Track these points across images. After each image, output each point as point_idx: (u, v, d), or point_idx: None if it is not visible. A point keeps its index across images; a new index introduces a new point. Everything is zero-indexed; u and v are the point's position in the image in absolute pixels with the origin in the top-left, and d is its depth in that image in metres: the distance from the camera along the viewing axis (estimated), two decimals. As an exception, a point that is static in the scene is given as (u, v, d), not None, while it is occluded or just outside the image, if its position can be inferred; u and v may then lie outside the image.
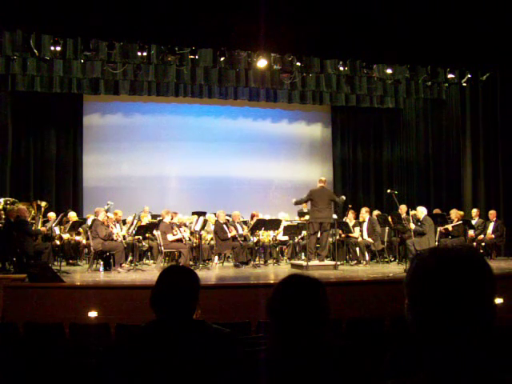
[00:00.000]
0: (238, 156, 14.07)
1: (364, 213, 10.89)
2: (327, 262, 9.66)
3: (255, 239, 10.76)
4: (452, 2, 8.40)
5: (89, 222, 10.31)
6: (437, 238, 9.65)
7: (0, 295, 6.65)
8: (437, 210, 11.12)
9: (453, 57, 9.80)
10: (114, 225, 10.03)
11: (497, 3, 8.43)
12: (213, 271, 9.84)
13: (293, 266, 9.98)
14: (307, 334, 1.72)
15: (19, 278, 7.34)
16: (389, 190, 9.63)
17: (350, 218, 11.03)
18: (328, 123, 15.09)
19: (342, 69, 11.03)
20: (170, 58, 9.87)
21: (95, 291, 7.04)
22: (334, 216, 10.02)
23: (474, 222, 10.96)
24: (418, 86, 12.38)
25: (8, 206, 9.65)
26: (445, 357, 1.06)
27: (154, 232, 10.20)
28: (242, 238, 10.63)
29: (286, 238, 11.17)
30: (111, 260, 9.37)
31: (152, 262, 10.87)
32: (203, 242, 10.61)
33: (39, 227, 9.67)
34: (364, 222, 10.74)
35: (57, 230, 10.21)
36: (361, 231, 10.65)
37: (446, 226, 10.01)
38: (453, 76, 11.23)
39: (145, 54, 9.70)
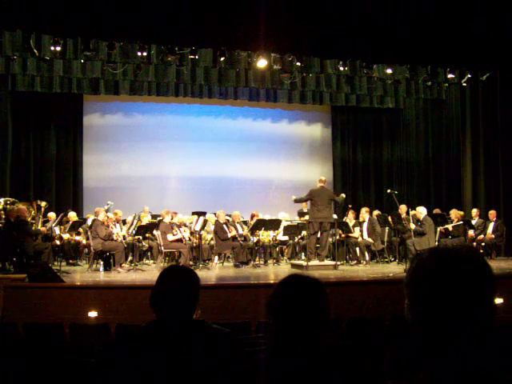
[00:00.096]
0: (238, 156, 14.07)
1: (364, 213, 10.89)
2: (327, 261, 9.66)
3: (255, 239, 10.76)
4: (452, 2, 8.41)
5: (89, 222, 10.31)
6: (437, 238, 9.65)
7: (0, 295, 6.65)
8: (437, 210, 11.12)
9: (453, 57, 9.80)
10: (114, 225, 10.04)
11: (497, 3, 8.43)
12: (213, 271, 9.84)
13: (293, 266, 9.98)
14: (307, 333, 1.71)
15: (19, 277, 7.34)
16: (389, 190, 9.63)
17: (350, 218, 11.03)
18: (328, 123, 15.08)
19: (342, 69, 11.02)
20: (170, 58, 9.87)
21: (95, 291, 7.04)
22: (334, 216, 10.02)
23: (474, 222, 10.96)
24: (418, 85, 12.38)
25: (8, 206, 9.65)
26: (445, 357, 1.06)
27: (154, 232, 10.20)
28: (242, 238, 10.63)
29: (285, 238, 11.17)
30: (111, 260, 9.37)
31: (152, 262, 10.87)
32: (203, 241, 10.61)
33: (39, 227, 9.67)
34: (364, 222, 10.74)
35: (57, 230, 10.21)
36: (361, 231, 10.65)
37: (446, 226, 10.01)
38: (453, 76, 11.23)
39: (145, 54, 9.69)
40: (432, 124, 13.87)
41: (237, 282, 8.00)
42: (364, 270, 9.53)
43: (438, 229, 9.85)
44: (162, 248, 9.62)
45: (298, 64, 10.49)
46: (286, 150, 14.51)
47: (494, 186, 11.75)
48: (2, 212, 9.62)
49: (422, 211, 9.47)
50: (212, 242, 10.90)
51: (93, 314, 6.43)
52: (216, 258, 11.16)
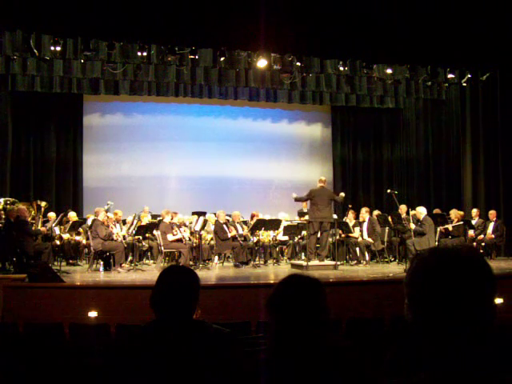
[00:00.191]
0: (238, 156, 14.07)
1: (364, 213, 10.88)
2: (327, 261, 9.66)
3: (255, 239, 10.76)
4: (452, 2, 8.41)
5: (89, 222, 10.31)
6: (437, 238, 9.64)
7: (0, 295, 6.65)
8: (437, 210, 11.12)
9: (453, 57, 9.79)
10: (114, 225, 10.04)
11: (497, 3, 8.43)
12: (213, 271, 9.84)
13: (293, 265, 9.98)
14: (307, 333, 1.71)
15: (19, 278, 7.35)
16: (389, 190, 9.63)
17: (350, 218, 11.03)
18: (328, 123, 15.08)
19: (342, 69, 11.02)
20: (170, 58, 9.86)
21: (95, 291, 7.04)
22: (334, 216, 10.02)
23: (474, 222, 10.96)
24: (418, 86, 12.38)
25: (8, 206, 9.65)
26: (445, 357, 1.06)
27: (154, 232, 10.20)
28: (242, 238, 10.63)
29: (286, 238, 11.17)
30: (111, 260, 9.37)
31: (152, 261, 10.87)
32: (203, 241, 10.61)
33: (39, 227, 9.67)
34: (364, 222, 10.74)
35: (57, 230, 10.21)
36: (361, 231, 10.65)
37: (446, 226, 10.01)
38: (453, 76, 11.23)
39: (145, 54, 9.69)
40: (432, 124, 13.86)
41: (237, 282, 8.00)
42: (364, 269, 9.53)
43: (438, 229, 9.85)
44: (162, 248, 9.62)
45: (298, 64, 10.48)
46: (285, 150, 14.51)
47: (494, 186, 11.75)
48: (2, 212, 9.62)
49: (421, 211, 9.47)
50: (212, 242, 10.90)
51: (93, 314, 6.43)
52: (216, 258, 11.16)
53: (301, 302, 1.73)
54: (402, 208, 10.17)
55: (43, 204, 10.29)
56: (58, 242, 10.15)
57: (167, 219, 9.77)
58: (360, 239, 10.50)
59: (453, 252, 1.12)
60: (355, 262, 10.32)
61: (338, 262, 9.64)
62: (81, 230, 10.64)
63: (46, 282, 7.11)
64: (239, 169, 14.06)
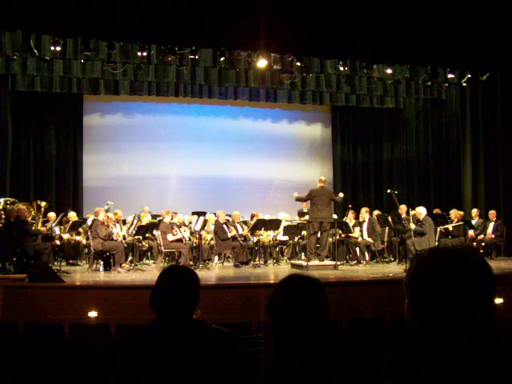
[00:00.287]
0: (237, 156, 14.07)
1: (364, 213, 10.88)
2: (327, 261, 9.66)
3: (255, 239, 10.76)
4: (452, 2, 8.41)
5: (89, 222, 10.31)
6: (437, 238, 9.64)
7: (0, 295, 6.65)
8: (437, 210, 11.12)
9: (453, 57, 9.80)
10: (114, 225, 10.04)
11: (496, 3, 8.43)
12: (213, 271, 9.84)
13: (293, 265, 9.98)
14: (307, 333, 1.71)
15: (19, 278, 7.34)
16: (389, 190, 9.63)
17: (350, 218, 11.03)
18: (328, 123, 15.08)
19: (342, 69, 11.02)
20: (170, 58, 9.86)
21: (95, 291, 7.04)
22: (334, 216, 10.02)
23: (474, 222, 10.96)
24: (418, 86, 12.38)
25: (8, 206, 9.65)
26: (445, 357, 1.06)
27: (154, 232, 10.20)
28: (242, 238, 10.63)
29: (285, 238, 11.17)
30: (111, 260, 9.36)
31: (152, 261, 10.87)
32: (203, 242, 10.61)
33: (39, 227, 9.67)
34: (364, 222, 10.74)
35: (57, 230, 10.21)
36: (361, 231, 10.65)
37: (446, 226, 10.01)
38: (453, 76, 11.22)
39: (145, 54, 9.69)
40: (432, 124, 13.87)
41: (237, 282, 8.00)
42: (364, 269, 9.53)
43: (438, 229, 9.85)
44: (162, 248, 9.62)
45: (298, 64, 10.48)
46: (285, 150, 14.51)
47: (494, 186, 11.75)
48: (2, 212, 9.62)
49: (421, 211, 9.47)
50: (212, 242, 10.90)
51: (93, 313, 6.43)
52: (216, 258, 11.16)
53: (301, 301, 1.73)
54: (402, 208, 10.18)
55: (43, 204, 10.29)
56: (58, 242, 10.15)
57: (167, 219, 9.77)
58: (360, 239, 10.50)
59: (453, 252, 1.12)
60: (355, 262, 10.32)
61: (338, 262, 9.64)
62: (81, 230, 10.64)
63: (46, 282, 7.11)
64: (239, 169, 14.06)
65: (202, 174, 13.78)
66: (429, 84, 11.91)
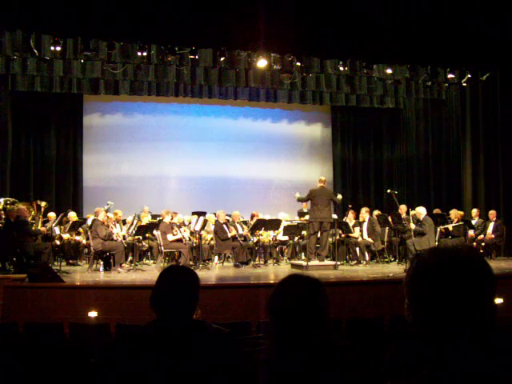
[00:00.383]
0: (237, 156, 14.07)
1: (364, 213, 10.88)
2: (327, 261, 9.66)
3: (255, 239, 10.76)
4: (452, 2, 8.41)
5: (89, 222, 10.31)
6: (437, 238, 9.64)
7: (0, 295, 6.65)
8: (437, 210, 11.12)
9: (453, 57, 9.80)
10: (114, 225, 10.03)
11: (497, 3, 8.43)
12: (213, 271, 9.84)
13: (293, 265, 9.98)
14: (307, 333, 1.71)
15: (19, 278, 7.34)
16: (389, 190, 9.64)
17: (350, 218, 11.03)
18: (328, 123, 15.08)
19: (342, 69, 11.02)
20: (170, 58, 9.86)
21: (95, 291, 7.04)
22: (334, 216, 10.02)
23: (474, 222, 10.96)
24: (418, 86, 12.38)
25: (8, 206, 9.65)
26: (445, 357, 1.06)
27: (154, 232, 10.20)
28: (242, 238, 10.63)
29: (285, 238, 11.17)
30: (111, 260, 9.36)
31: (152, 261, 10.87)
32: (203, 242, 10.61)
33: (39, 227, 9.67)
34: (364, 222, 10.74)
35: (57, 230, 10.21)
36: (361, 231, 10.65)
37: (446, 226, 10.01)
38: (453, 76, 11.22)
39: (145, 54, 9.69)
40: (432, 124, 13.86)
41: (237, 282, 8.00)
42: (364, 269, 9.53)
43: (438, 229, 9.85)
44: (162, 248, 9.62)
45: (298, 64, 10.48)
46: (285, 150, 14.51)
47: (494, 186, 11.75)
48: (2, 212, 9.62)
49: (421, 211, 9.47)
50: (212, 242, 10.90)
51: (93, 314, 6.43)
52: (216, 258, 11.16)
53: (301, 301, 1.73)
54: (402, 208, 10.18)
55: (43, 204, 10.29)
56: (58, 242, 10.15)
57: (167, 219, 9.77)
58: (360, 239, 10.50)
59: (453, 252, 1.12)
60: (355, 262, 10.32)
61: (338, 262, 9.64)
62: (81, 230, 10.64)
63: (46, 282, 7.11)
64: (239, 169, 14.06)
65: (202, 174, 13.78)
66: (429, 84, 11.91)
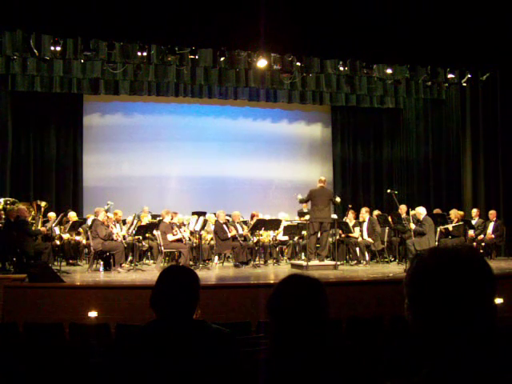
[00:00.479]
0: (237, 156, 14.07)
1: (364, 213, 10.88)
2: (327, 261, 9.66)
3: (255, 239, 10.76)
4: (452, 2, 8.40)
5: (89, 222, 10.31)
6: (437, 238, 9.64)
7: (0, 295, 6.65)
8: (437, 210, 11.12)
9: (453, 57, 9.79)
10: (114, 225, 10.04)
11: (497, 3, 8.43)
12: (213, 271, 9.84)
13: (293, 265, 9.98)
14: (307, 333, 1.71)
15: (19, 278, 7.34)
16: (389, 190, 9.63)
17: (350, 218, 11.03)
18: (328, 123, 15.08)
19: (342, 69, 11.01)
20: (170, 58, 9.86)
21: (95, 291, 7.04)
22: (334, 216, 10.02)
23: (474, 222, 10.96)
24: (418, 86, 12.38)
25: (8, 206, 9.65)
26: (445, 357, 1.06)
27: (154, 232, 10.20)
28: (242, 238, 10.63)
29: (285, 238, 11.17)
30: (111, 260, 9.37)
31: (152, 261, 10.87)
32: (203, 242, 10.61)
33: (39, 227, 9.67)
34: (364, 222, 10.74)
35: (57, 230, 10.21)
36: (361, 231, 10.65)
37: (446, 226, 10.01)
38: (453, 76, 11.22)
39: (145, 54, 9.68)
40: (432, 124, 13.86)
41: (237, 282, 8.00)
42: (364, 269, 9.53)
43: (438, 229, 9.85)
44: (162, 248, 9.62)
45: (298, 64, 10.48)
46: (285, 150, 14.51)
47: (494, 186, 11.75)
48: (2, 212, 9.62)
49: (421, 211, 9.47)
50: (212, 242, 10.90)
51: (93, 314, 6.43)
52: (216, 258, 11.16)
53: (301, 301, 1.73)
54: (402, 208, 10.18)
55: (43, 204, 10.29)
56: (58, 242, 10.15)
57: (167, 219, 9.77)
58: (360, 239, 10.50)
59: (453, 252, 1.12)
60: (355, 262, 10.32)
61: (338, 262, 9.64)
62: (81, 230, 10.64)
63: (46, 282, 7.11)
64: (239, 169, 14.06)
65: (202, 174, 13.78)
66: (429, 84, 11.91)
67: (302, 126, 14.90)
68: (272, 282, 7.76)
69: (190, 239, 10.35)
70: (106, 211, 9.87)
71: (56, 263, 9.71)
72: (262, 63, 10.20)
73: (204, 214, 10.88)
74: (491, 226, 10.81)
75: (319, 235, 9.62)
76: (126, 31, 8.70)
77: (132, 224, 9.93)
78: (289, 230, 10.87)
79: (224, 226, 10.33)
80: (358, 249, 10.38)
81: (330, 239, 10.11)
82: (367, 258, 10.40)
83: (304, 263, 9.36)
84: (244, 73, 11.66)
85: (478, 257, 1.12)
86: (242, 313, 6.36)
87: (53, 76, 11.31)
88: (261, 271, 9.66)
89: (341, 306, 6.47)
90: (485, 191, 12.05)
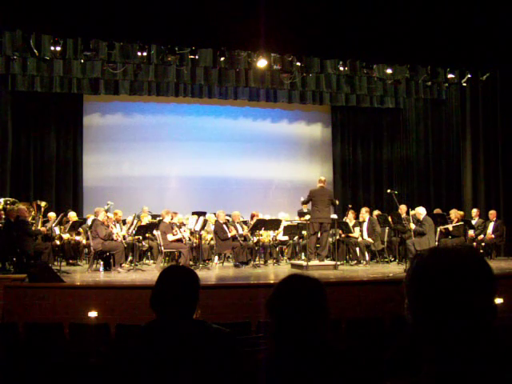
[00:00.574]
0: (237, 156, 14.07)
1: (364, 213, 10.89)
2: (327, 261, 9.66)
3: (255, 239, 10.76)
4: (452, 2, 8.40)
5: (89, 222, 10.32)
6: (437, 238, 9.64)
7: (0, 295, 6.65)
8: (437, 210, 11.12)
9: (453, 57, 9.80)
10: (114, 225, 10.04)
11: (497, 3, 8.43)
12: (213, 271, 9.84)
13: (293, 265, 9.98)
14: (307, 334, 1.71)
15: (19, 278, 7.35)
16: (389, 190, 9.63)
17: (350, 218, 11.03)
18: (328, 123, 15.08)
19: (342, 69, 11.01)
20: (170, 58, 9.86)
21: (95, 291, 7.04)
22: (334, 216, 10.02)
23: (474, 222, 10.96)
24: (418, 86, 12.38)
25: (8, 206, 9.65)
26: (445, 357, 1.06)
27: (154, 232, 10.21)
28: (242, 238, 10.63)
29: (286, 238, 11.17)
30: (111, 260, 9.37)
31: (152, 262, 10.87)
32: (203, 242, 10.61)
33: (39, 227, 9.67)
34: (364, 222, 10.74)
35: (57, 230, 10.21)
36: (361, 231, 10.65)
37: (446, 226, 10.01)
38: (453, 76, 11.22)
39: (145, 54, 9.68)
40: (432, 124, 13.87)
41: (237, 282, 8.00)
42: (364, 269, 9.53)
43: (438, 229, 9.85)
44: (162, 248, 9.62)
45: (298, 64, 10.48)
46: (285, 150, 14.51)
47: (494, 186, 11.75)
48: (2, 212, 9.62)
49: (421, 211, 9.47)
50: (212, 242, 10.90)
51: (93, 314, 6.43)
52: (216, 258, 11.16)
53: (301, 302, 1.73)
54: (402, 208, 10.17)
55: (43, 204, 10.30)
56: (58, 242, 10.15)
57: (167, 219, 9.77)
58: (360, 239, 10.50)
59: (453, 252, 1.12)
60: (355, 262, 10.32)
61: (338, 262, 9.64)
62: (81, 230, 10.64)
63: (46, 281, 7.11)
64: (239, 169, 14.06)
65: (202, 174, 13.78)
66: (429, 84, 11.92)
67: (301, 126, 14.90)
68: (272, 282, 7.76)
69: (189, 239, 10.35)
70: (106, 211, 9.87)
71: (56, 263, 9.71)
72: (261, 63, 10.21)
73: (204, 213, 10.88)
74: (491, 225, 10.81)
75: (319, 235, 9.63)
76: (126, 31, 8.70)
77: (132, 224, 9.93)
78: (289, 230, 10.87)
79: (224, 225, 10.33)
80: (358, 249, 10.38)
81: (330, 239, 10.11)
82: (367, 258, 10.40)
83: (304, 263, 9.36)
84: (244, 73, 11.67)
85: (478, 257, 1.12)
86: (242, 313, 6.35)
87: (53, 76, 11.31)
88: (261, 271, 9.66)
89: (341, 306, 6.46)
90: (485, 191, 12.05)
